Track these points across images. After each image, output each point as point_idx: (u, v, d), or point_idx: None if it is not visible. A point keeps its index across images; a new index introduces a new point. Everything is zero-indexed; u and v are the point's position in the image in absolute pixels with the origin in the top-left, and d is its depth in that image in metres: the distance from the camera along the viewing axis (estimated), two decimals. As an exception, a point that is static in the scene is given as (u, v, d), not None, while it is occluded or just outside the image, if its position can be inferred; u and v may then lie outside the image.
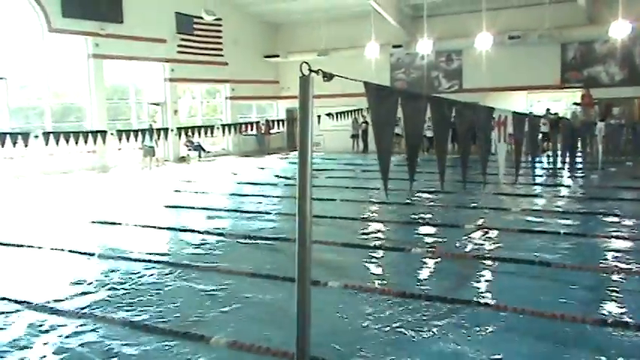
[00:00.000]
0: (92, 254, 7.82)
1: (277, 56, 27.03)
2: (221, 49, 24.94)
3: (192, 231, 9.36)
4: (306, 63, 2.77)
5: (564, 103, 23.13)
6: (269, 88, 27.48)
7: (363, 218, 10.32)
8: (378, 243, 8.38)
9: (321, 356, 4.33)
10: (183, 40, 23.24)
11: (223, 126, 18.44)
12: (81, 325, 5.18)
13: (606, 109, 21.71)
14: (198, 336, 4.84)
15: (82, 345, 4.75)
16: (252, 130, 22.18)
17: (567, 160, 9.71)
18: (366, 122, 25.09)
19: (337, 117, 20.53)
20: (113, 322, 5.27)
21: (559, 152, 13.68)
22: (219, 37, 24.83)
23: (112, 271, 7.03)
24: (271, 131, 25.62)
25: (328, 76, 2.94)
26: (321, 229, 9.36)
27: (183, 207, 11.93)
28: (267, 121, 25.01)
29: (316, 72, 2.83)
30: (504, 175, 7.25)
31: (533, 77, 22.69)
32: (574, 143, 10.16)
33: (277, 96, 28.32)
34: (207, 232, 9.19)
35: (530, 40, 21.91)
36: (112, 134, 13.71)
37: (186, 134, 17.85)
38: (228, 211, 11.45)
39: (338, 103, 20.67)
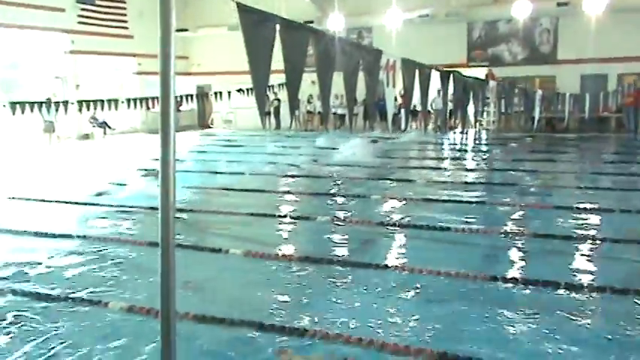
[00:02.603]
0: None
1: (186, 30, 26.24)
2: (125, 22, 23.91)
3: (98, 205, 9.02)
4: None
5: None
6: (178, 63, 26.56)
7: (272, 190, 10.19)
8: (284, 212, 8.29)
9: (220, 316, 4.25)
10: (83, 9, 22.06)
11: (129, 100, 17.66)
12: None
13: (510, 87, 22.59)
14: (96, 301, 4.75)
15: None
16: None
17: (459, 119, 10.01)
18: (278, 99, 24.88)
19: (248, 93, 20.18)
20: (20, 293, 5.01)
21: (450, 110, 13.59)
22: (123, 9, 23.78)
23: (15, 245, 6.67)
24: (181, 108, 24.89)
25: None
26: (228, 200, 9.25)
27: (88, 182, 11.38)
28: (176, 97, 24.22)
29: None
30: (391, 125, 7.35)
31: (442, 55, 23.14)
32: (466, 99, 10.42)
33: (187, 72, 27.55)
34: (112, 205, 8.86)
35: (438, 19, 22.37)
36: (4, 106, 12.81)
37: (88, 108, 16.98)
38: (137, 185, 11.01)
39: (249, 79, 20.32)
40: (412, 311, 4.55)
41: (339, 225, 7.55)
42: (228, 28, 23.82)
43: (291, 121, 4.46)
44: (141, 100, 18.20)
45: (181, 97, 22.28)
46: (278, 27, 3.37)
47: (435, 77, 11.91)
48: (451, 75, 9.68)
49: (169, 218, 2.06)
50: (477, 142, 18.94)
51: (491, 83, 15.04)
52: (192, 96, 22.06)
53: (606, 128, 20.71)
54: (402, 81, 6.84)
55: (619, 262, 5.91)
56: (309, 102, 24.99)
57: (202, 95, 23.49)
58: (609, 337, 4.01)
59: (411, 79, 6.73)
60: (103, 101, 16.63)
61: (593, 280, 5.18)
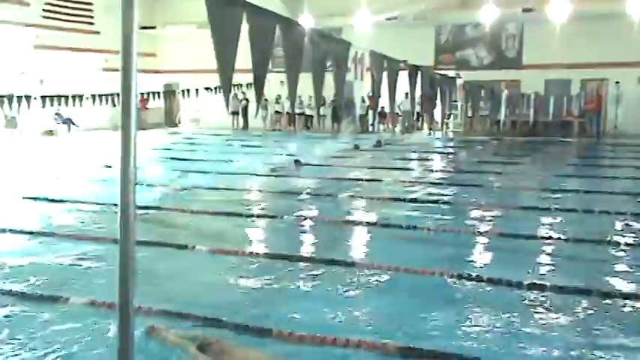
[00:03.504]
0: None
1: (154, 28, 25.94)
2: (92, 17, 23.51)
3: (62, 201, 8.86)
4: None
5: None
6: (146, 61, 26.28)
7: (240, 189, 10.11)
8: (252, 211, 8.25)
9: (186, 312, 4.21)
10: (48, 4, 21.60)
11: (94, 97, 17.39)
12: None
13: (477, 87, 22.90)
14: (55, 298, 4.67)
15: None
16: (126, 103, 21.09)
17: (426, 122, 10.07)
18: (247, 99, 24.77)
19: (216, 91, 20.04)
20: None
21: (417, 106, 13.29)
22: (90, 4, 23.38)
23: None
24: (148, 106, 24.58)
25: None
26: (196, 199, 9.17)
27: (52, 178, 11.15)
28: (142, 94, 23.90)
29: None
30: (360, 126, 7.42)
31: (410, 58, 23.12)
32: (433, 96, 10.50)
33: (155, 70, 27.21)
34: (79, 202, 8.75)
35: (406, 22, 22.52)
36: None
37: (52, 104, 16.66)
38: (101, 181, 10.85)
39: (217, 78, 20.14)
40: (378, 307, 4.58)
41: (305, 223, 7.56)
42: (197, 27, 23.57)
43: (257, 110, 4.51)
44: (106, 96, 17.94)
45: (148, 94, 22.08)
46: (245, 12, 3.34)
47: (404, 79, 11.97)
48: (419, 71, 9.71)
49: (129, 216, 2.01)
50: (445, 144, 19.13)
51: (458, 82, 15.11)
52: (159, 93, 21.85)
53: (570, 132, 21.12)
54: (370, 78, 6.86)
55: (580, 262, 6.02)
56: (277, 102, 24.91)
57: (169, 93, 23.24)
58: (569, 333, 4.10)
59: (380, 74, 6.75)
60: (67, 97, 16.34)
61: (555, 279, 5.26)
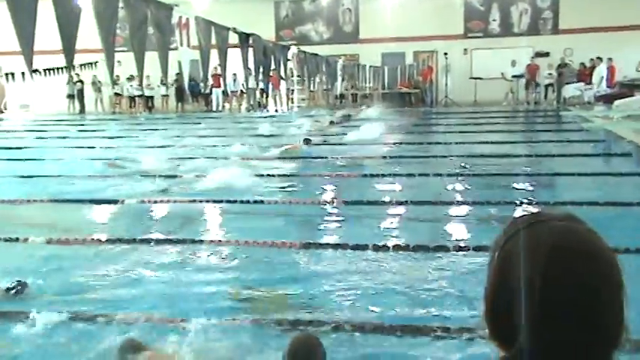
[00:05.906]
0: None
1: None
2: None
3: None
4: None
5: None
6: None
7: (73, 175, 9.47)
8: (91, 197, 7.79)
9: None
10: None
11: None
12: None
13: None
14: None
15: None
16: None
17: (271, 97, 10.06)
18: (81, 81, 23.33)
19: (48, 73, 18.57)
20: None
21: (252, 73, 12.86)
22: None
23: None
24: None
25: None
26: (26, 188, 8.50)
27: None
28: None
29: None
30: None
31: (250, 34, 23.23)
32: (267, 65, 10.53)
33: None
34: None
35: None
36: None
37: None
38: None
39: (49, 59, 18.67)
40: (227, 283, 4.56)
41: (151, 205, 7.31)
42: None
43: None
44: None
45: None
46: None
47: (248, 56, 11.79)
48: (249, 40, 9.60)
49: None
50: (287, 118, 19.35)
51: (293, 49, 15.15)
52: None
53: (408, 102, 22.30)
54: (198, 44, 6.69)
55: (420, 222, 6.40)
56: (115, 83, 23.66)
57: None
58: (407, 289, 4.37)
59: (207, 44, 6.60)
60: None
61: (397, 241, 5.54)
